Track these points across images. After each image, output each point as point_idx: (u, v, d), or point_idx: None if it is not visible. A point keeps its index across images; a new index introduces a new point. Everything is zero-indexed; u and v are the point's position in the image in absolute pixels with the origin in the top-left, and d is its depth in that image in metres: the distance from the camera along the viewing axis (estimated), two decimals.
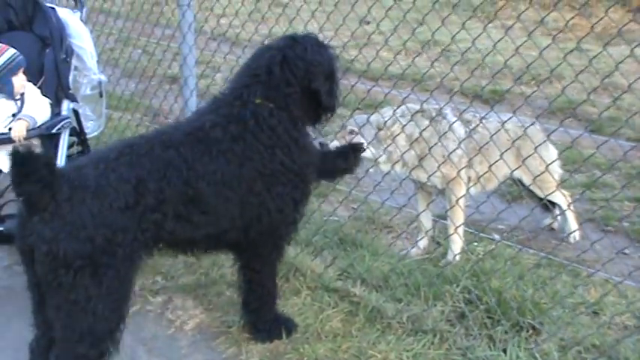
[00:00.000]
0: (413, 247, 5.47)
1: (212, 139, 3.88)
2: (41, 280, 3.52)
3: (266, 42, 8.43)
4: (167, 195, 3.70)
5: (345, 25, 5.38)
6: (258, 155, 3.92)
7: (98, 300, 3.53)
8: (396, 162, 5.15)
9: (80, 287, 3.47)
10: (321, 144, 5.00)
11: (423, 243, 5.51)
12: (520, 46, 4.44)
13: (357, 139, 5.09)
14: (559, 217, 5.84)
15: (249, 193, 3.93)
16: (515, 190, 6.25)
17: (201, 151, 3.83)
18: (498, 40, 4.62)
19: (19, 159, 3.32)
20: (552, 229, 5.90)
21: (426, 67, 6.17)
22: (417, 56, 6.76)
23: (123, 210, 3.57)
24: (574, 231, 5.60)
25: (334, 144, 5.07)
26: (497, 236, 5.60)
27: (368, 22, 9.17)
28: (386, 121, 5.12)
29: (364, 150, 4.85)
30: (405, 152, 5.08)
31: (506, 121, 4.88)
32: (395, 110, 5.18)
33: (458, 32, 4.76)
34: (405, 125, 5.07)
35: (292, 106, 4.03)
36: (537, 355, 4.04)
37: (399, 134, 5.08)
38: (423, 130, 5.02)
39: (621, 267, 4.98)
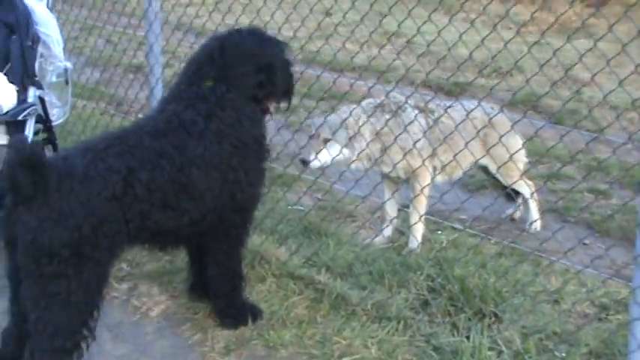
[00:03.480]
0: (377, 236, 5.52)
1: (189, 122, 3.95)
2: (22, 271, 3.51)
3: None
4: (159, 184, 3.74)
5: (312, 15, 5.41)
6: (228, 130, 4.00)
7: (77, 291, 3.53)
8: (362, 158, 5.22)
9: (61, 278, 3.47)
10: (302, 161, 5.17)
11: (387, 232, 5.56)
12: (485, 37, 4.50)
13: (331, 145, 5.16)
14: (521, 207, 5.92)
15: (227, 169, 3.99)
16: (478, 180, 6.34)
17: (186, 137, 3.90)
18: (464, 32, 4.69)
19: (14, 152, 3.36)
20: (514, 219, 5.98)
21: (389, 58, 6.23)
22: (382, 47, 6.80)
23: (110, 200, 3.59)
24: (536, 220, 5.70)
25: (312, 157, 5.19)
26: (459, 225, 5.68)
27: (330, 14, 9.24)
28: (351, 121, 5.18)
29: None
30: (366, 147, 5.16)
31: (471, 110, 4.94)
32: (353, 109, 5.24)
33: (424, 24, 4.82)
34: (366, 121, 5.14)
35: (239, 87, 4.13)
36: (500, 342, 4.10)
37: (363, 131, 5.15)
38: (385, 124, 5.08)
39: (581, 257, 5.05)
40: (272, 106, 4.37)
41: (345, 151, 5.15)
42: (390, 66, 7.89)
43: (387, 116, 5.08)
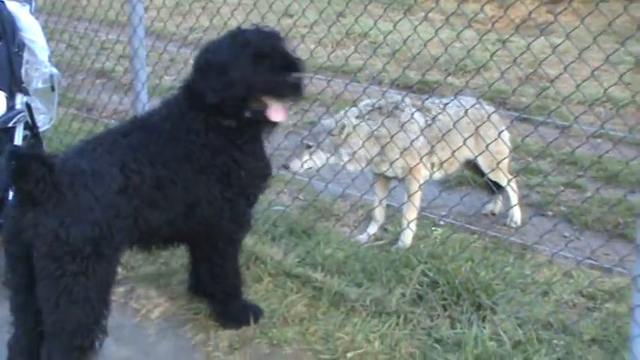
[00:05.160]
0: (365, 235, 5.62)
1: (152, 125, 4.04)
2: (39, 274, 3.53)
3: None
4: (145, 176, 3.79)
5: (274, 15, 5.50)
6: (181, 138, 4.00)
7: (93, 289, 3.60)
8: (356, 160, 5.31)
9: (81, 276, 3.52)
10: (284, 166, 5.29)
11: (372, 230, 5.66)
12: (459, 35, 4.66)
13: (316, 152, 5.30)
14: (500, 202, 6.05)
15: (181, 179, 3.97)
16: (456, 177, 6.46)
17: (151, 137, 3.95)
18: (439, 30, 4.82)
19: (17, 157, 3.38)
20: (494, 214, 6.11)
21: (350, 57, 6.34)
22: (356, 48, 6.91)
23: (118, 193, 3.67)
24: (516, 214, 5.84)
25: (295, 164, 5.33)
26: (441, 221, 5.80)
27: (291, 15, 9.32)
28: (336, 125, 5.29)
29: None
30: (357, 150, 5.26)
31: (470, 107, 5.09)
32: (347, 110, 5.35)
33: (396, 24, 4.95)
34: (358, 125, 5.23)
35: (195, 98, 4.03)
36: (501, 332, 4.21)
37: (351, 135, 5.26)
38: (378, 126, 5.20)
39: (562, 248, 5.16)
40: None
41: (332, 158, 5.32)
42: (353, 66, 8.00)
43: (384, 117, 5.20)
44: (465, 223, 5.68)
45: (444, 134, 5.08)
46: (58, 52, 8.24)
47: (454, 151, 5.00)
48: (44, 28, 5.91)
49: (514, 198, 5.85)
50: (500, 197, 6.05)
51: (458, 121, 5.05)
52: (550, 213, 6.07)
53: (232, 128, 4.04)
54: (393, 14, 5.12)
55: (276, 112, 3.99)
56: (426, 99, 5.41)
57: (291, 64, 3.95)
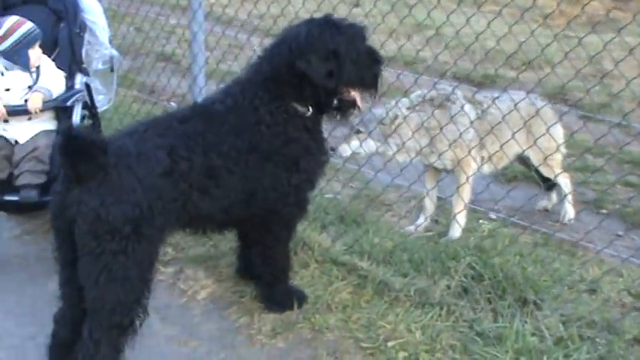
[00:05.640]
0: (413, 226, 5.62)
1: (214, 114, 4.04)
2: (80, 251, 3.60)
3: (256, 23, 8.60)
4: (194, 163, 3.82)
5: (344, 4, 5.51)
6: (249, 130, 4.02)
7: (133, 268, 3.64)
8: (405, 151, 5.31)
9: (120, 255, 3.57)
10: (332, 149, 5.21)
11: (421, 220, 5.65)
12: (512, 27, 4.63)
13: (366, 141, 5.33)
14: (554, 198, 6.00)
15: (245, 166, 4.00)
16: (510, 171, 6.42)
17: (210, 127, 3.98)
18: (492, 20, 4.80)
19: (70, 135, 3.44)
20: (547, 210, 6.06)
21: (414, 49, 6.32)
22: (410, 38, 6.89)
23: (162, 176, 3.71)
24: (570, 212, 5.78)
25: (344, 148, 5.34)
26: (493, 215, 5.78)
27: (358, 5, 9.31)
28: (387, 115, 5.29)
29: None
30: (407, 141, 5.25)
31: (519, 101, 5.04)
32: (399, 100, 5.35)
33: (451, 13, 4.93)
34: (407, 116, 5.24)
35: (275, 87, 4.07)
36: (543, 328, 4.19)
37: (401, 125, 5.25)
38: (428, 118, 5.21)
39: (615, 248, 5.11)
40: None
41: (381, 147, 5.32)
42: (419, 57, 7.97)
43: (435, 109, 5.19)
44: (516, 217, 5.64)
45: (494, 127, 5.05)
46: (120, 35, 8.34)
47: (502, 145, 4.98)
48: (106, 10, 6.01)
49: (568, 195, 5.79)
50: (554, 194, 5.99)
51: (507, 114, 5.01)
52: (604, 211, 5.99)
53: (307, 117, 4.14)
54: (455, 6, 5.08)
55: (360, 102, 4.22)
56: (476, 92, 5.38)
57: (379, 59, 4.15)
